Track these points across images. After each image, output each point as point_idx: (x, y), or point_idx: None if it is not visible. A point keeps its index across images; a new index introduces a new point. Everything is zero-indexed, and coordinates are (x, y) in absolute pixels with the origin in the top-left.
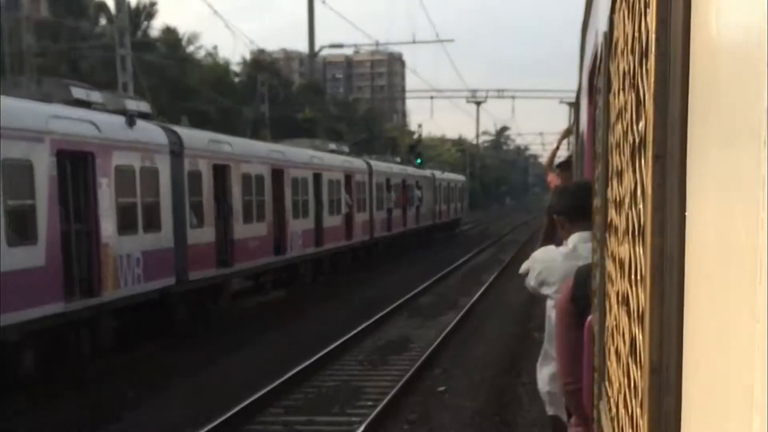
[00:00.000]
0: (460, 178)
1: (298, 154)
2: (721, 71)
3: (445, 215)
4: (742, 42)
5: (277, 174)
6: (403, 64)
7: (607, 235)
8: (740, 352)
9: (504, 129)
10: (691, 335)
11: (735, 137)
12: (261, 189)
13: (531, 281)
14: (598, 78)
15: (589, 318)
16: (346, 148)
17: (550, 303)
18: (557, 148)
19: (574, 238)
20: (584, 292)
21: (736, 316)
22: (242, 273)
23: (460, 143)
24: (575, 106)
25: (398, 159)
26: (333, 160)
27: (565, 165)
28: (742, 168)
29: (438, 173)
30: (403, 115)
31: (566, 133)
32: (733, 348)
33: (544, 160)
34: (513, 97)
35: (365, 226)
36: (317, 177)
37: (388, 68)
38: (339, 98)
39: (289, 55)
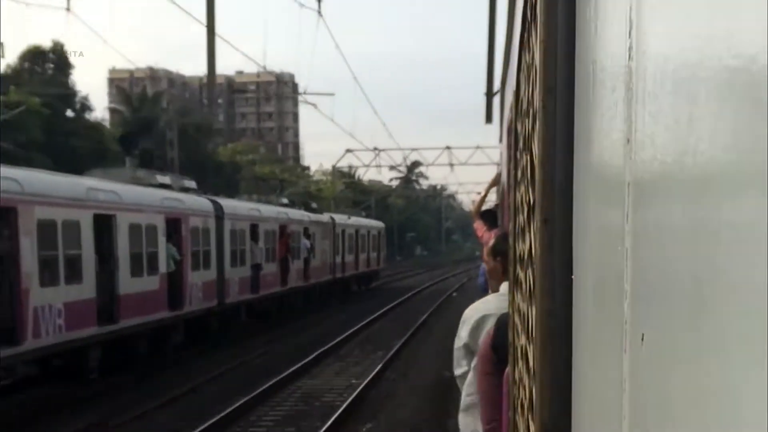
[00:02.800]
0: (375, 223)
1: (54, 184)
2: (596, 140)
3: (351, 267)
4: (611, 122)
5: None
6: (295, 87)
7: (515, 288)
8: (611, 418)
9: (415, 164)
10: (578, 397)
11: (605, 209)
12: None
13: (460, 339)
14: (511, 135)
15: (507, 369)
16: (190, 183)
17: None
18: (485, 195)
19: (504, 286)
20: (503, 341)
21: (607, 383)
22: None
23: (350, 176)
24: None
25: (284, 201)
26: (142, 196)
27: (488, 214)
28: (610, 238)
29: (340, 218)
30: (295, 147)
31: (494, 181)
32: (605, 413)
33: (461, 200)
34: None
35: (209, 289)
36: (103, 220)
37: (277, 91)
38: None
39: (155, 74)
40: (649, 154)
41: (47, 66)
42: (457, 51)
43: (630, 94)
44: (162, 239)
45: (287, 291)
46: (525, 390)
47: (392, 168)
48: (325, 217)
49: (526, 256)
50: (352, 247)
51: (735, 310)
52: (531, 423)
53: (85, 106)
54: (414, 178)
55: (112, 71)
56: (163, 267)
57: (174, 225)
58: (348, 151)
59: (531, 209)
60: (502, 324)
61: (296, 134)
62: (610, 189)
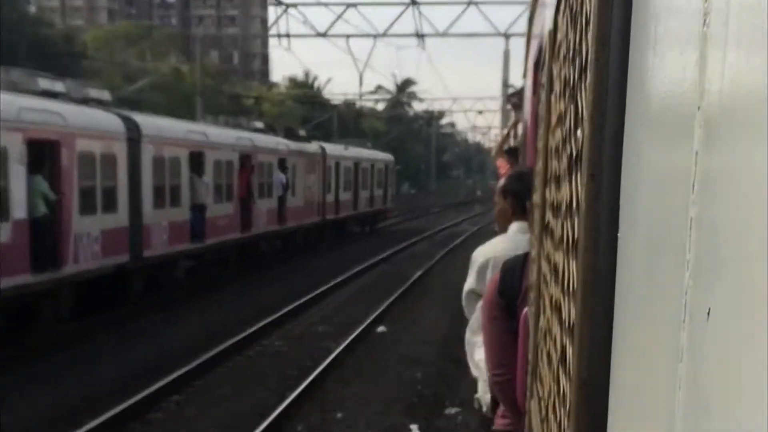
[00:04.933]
0: (381, 156)
1: None
2: (655, 97)
3: (347, 207)
4: (678, 64)
5: None
6: None
7: (544, 235)
8: (663, 375)
9: (407, 83)
10: (619, 353)
11: (667, 163)
12: None
13: (469, 283)
14: (541, 73)
15: (525, 310)
16: (101, 93)
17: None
18: (508, 134)
19: (515, 227)
20: (511, 285)
21: (659, 350)
22: None
23: (306, 86)
24: (519, 97)
25: (258, 125)
26: None
27: (513, 152)
28: (672, 197)
29: (334, 148)
30: (264, 59)
31: (517, 121)
32: (655, 370)
33: (462, 127)
34: None
35: (114, 239)
36: None
37: None
38: None
39: None
40: (728, 102)
41: None
42: None
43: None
44: (18, 169)
45: (251, 237)
46: (554, 341)
47: (379, 87)
48: (312, 146)
49: (563, 206)
50: (349, 184)
51: None
52: (562, 376)
53: None
54: (405, 100)
55: None
56: (21, 210)
57: (49, 150)
58: (380, 87)
59: (572, 160)
60: (509, 268)
61: (264, 44)
62: (675, 146)
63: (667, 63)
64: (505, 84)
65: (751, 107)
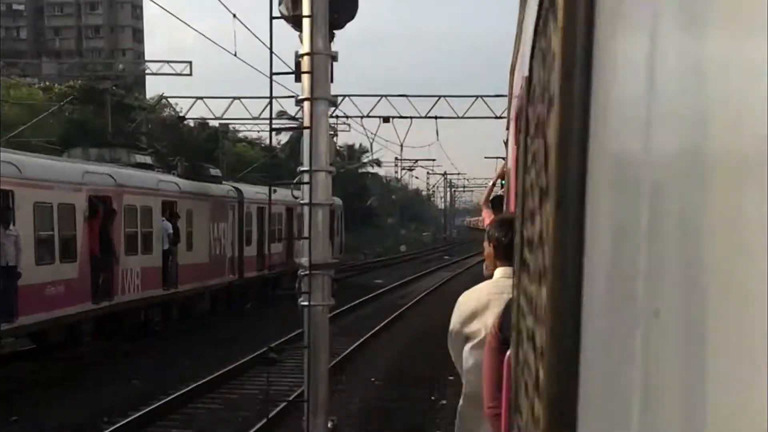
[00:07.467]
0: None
1: None
2: (613, 126)
3: (277, 262)
4: (631, 98)
5: None
6: None
7: (522, 271)
8: (623, 394)
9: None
10: (585, 373)
11: (623, 190)
12: None
13: (454, 324)
14: (521, 120)
15: (508, 352)
16: None
17: (467, 346)
18: (493, 184)
19: (499, 272)
20: (510, 322)
21: (621, 361)
22: None
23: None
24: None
25: (142, 159)
26: None
27: (497, 202)
28: (626, 220)
29: (256, 190)
30: (138, 80)
31: (502, 173)
32: (617, 390)
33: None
34: None
35: None
36: None
37: None
38: None
39: None
40: (670, 143)
41: None
42: None
43: (652, 77)
44: None
45: (116, 308)
46: (531, 370)
47: (282, 114)
48: (221, 188)
49: (536, 239)
50: (279, 233)
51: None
52: (537, 402)
53: None
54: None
55: None
56: None
57: None
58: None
59: (543, 193)
60: (510, 306)
61: (140, 57)
62: (628, 177)
63: (624, 99)
64: None
65: (690, 158)
